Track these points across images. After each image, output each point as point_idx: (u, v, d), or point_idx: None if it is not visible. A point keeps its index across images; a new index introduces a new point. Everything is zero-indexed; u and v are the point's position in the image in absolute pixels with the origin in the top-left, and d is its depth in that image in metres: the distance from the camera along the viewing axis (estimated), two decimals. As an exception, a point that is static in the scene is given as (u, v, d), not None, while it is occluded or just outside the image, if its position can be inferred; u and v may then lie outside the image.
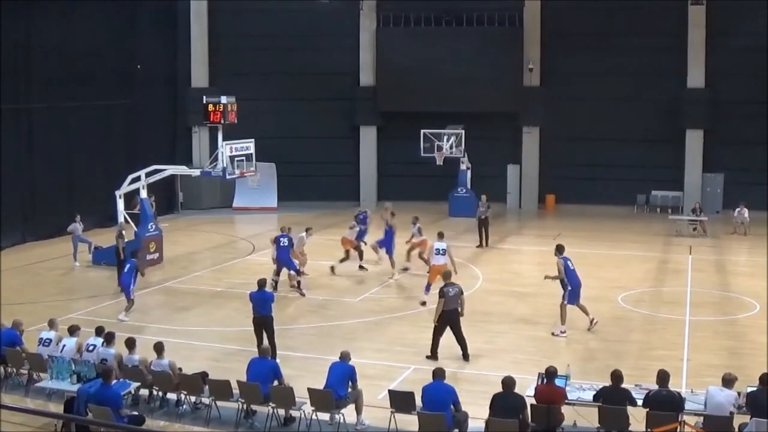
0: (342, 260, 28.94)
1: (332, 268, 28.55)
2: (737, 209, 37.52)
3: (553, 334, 21.77)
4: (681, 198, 43.14)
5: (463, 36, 44.22)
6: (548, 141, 44.98)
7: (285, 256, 25.70)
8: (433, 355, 19.39)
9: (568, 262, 21.95)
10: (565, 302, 21.84)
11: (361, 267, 29.06)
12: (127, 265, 23.31)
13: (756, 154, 40.82)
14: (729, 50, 41.46)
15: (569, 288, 21.81)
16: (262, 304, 19.66)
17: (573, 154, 44.06)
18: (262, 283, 20.08)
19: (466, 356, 19.45)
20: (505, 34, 44.20)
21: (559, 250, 22.21)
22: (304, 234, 27.35)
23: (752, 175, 41.02)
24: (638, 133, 43.29)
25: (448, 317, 19.43)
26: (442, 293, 19.50)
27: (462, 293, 19.68)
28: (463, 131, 41.46)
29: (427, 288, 24.51)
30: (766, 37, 40.18)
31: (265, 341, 18.85)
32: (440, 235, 25.47)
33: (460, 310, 19.62)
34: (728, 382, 14.26)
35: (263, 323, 19.58)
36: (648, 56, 42.88)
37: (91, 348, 16.82)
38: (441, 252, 24.61)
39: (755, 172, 40.98)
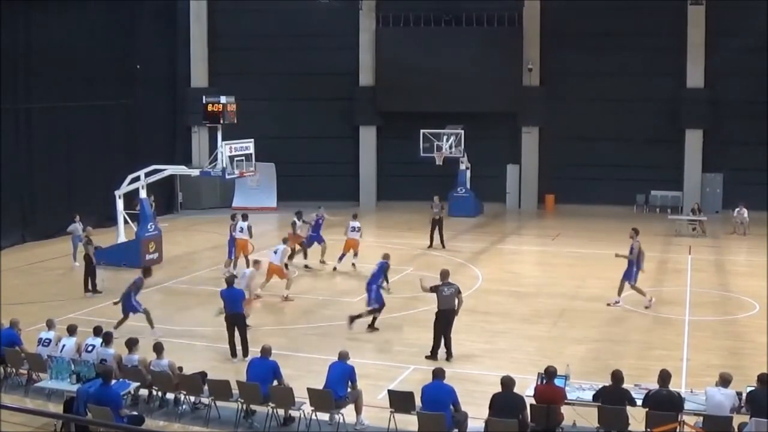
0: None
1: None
2: (737, 209, 37.54)
3: (608, 304, 24.29)
4: (680, 198, 43.17)
5: (463, 36, 44.23)
6: (548, 141, 45.00)
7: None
8: (433, 355, 19.39)
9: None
10: (626, 280, 24.15)
11: (306, 266, 29.56)
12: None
13: (755, 154, 40.86)
14: (728, 50, 41.44)
15: (633, 268, 24.11)
16: (232, 302, 19.77)
17: (572, 154, 44.07)
18: (230, 281, 20.17)
19: (449, 356, 19.36)
20: (505, 34, 44.20)
21: (636, 232, 24.64)
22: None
23: (752, 175, 41.03)
24: (638, 133, 43.30)
25: (443, 316, 19.44)
26: (436, 291, 19.55)
27: (459, 293, 19.59)
28: (462, 131, 41.45)
29: (341, 258, 29.15)
30: (765, 37, 40.20)
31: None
32: (354, 216, 29.73)
33: (456, 310, 19.59)
34: (725, 381, 14.31)
35: (234, 321, 19.69)
36: (647, 56, 42.91)
37: (90, 348, 16.82)
38: (356, 229, 29.26)
39: (755, 172, 41.00)
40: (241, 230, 28.26)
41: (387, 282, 23.74)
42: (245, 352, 19.29)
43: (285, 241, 26.95)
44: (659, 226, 38.23)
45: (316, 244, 30.06)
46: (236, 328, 19.61)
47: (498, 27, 44.26)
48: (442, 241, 33.51)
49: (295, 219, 29.90)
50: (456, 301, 19.50)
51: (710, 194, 42.76)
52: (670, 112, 43.05)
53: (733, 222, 37.50)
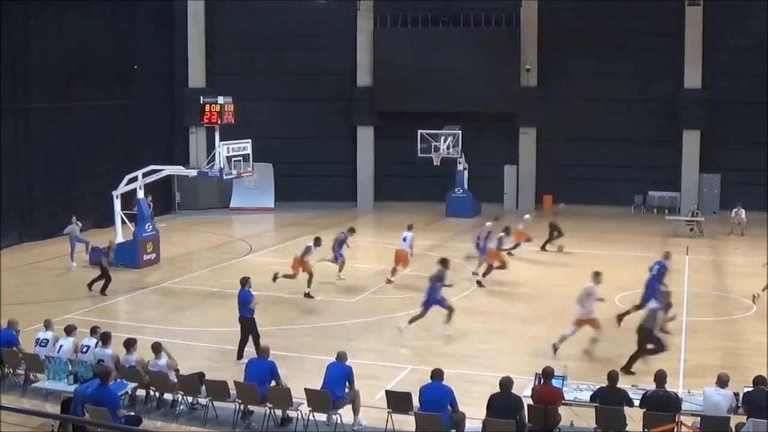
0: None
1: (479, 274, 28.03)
2: (734, 210, 37.58)
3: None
4: (678, 198, 43.18)
5: (460, 36, 44.25)
6: (545, 141, 45.01)
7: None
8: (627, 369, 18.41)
9: None
10: None
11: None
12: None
13: (753, 155, 40.86)
14: (726, 51, 41.50)
15: None
16: (239, 304, 19.67)
17: (570, 154, 44.06)
18: (242, 282, 19.99)
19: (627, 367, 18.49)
20: (502, 35, 44.18)
21: None
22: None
23: (749, 176, 41.06)
24: (635, 134, 43.30)
25: (643, 333, 18.81)
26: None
27: (663, 311, 18.92)
28: (460, 132, 41.49)
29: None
30: (763, 37, 40.25)
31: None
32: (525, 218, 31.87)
33: (649, 328, 18.77)
34: (723, 382, 14.34)
35: (241, 323, 19.62)
36: (645, 56, 42.92)
37: (84, 349, 16.77)
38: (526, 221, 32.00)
39: (752, 172, 41.03)
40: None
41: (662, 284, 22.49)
42: (255, 348, 18.92)
43: (410, 227, 28.51)
44: (657, 227, 38.28)
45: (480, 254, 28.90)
46: (241, 331, 19.60)
47: (495, 27, 44.25)
48: (548, 243, 33.49)
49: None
50: (654, 321, 18.69)
51: (708, 195, 42.75)
52: (668, 113, 43.05)
53: (731, 222, 37.54)
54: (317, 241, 26.26)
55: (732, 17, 41.17)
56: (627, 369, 18.17)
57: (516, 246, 31.49)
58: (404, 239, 28.03)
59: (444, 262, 22.42)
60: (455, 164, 42.30)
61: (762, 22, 40.18)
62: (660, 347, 18.58)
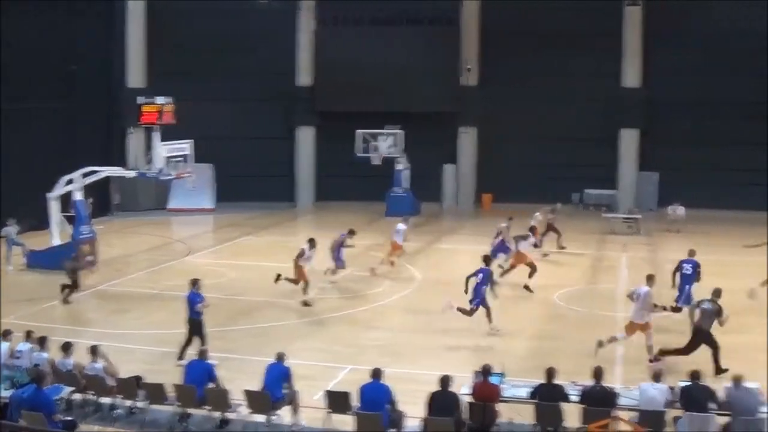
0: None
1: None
2: (671, 207, 38.12)
3: None
4: (615, 196, 43.68)
5: (401, 36, 44.43)
6: (485, 141, 45.26)
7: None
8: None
9: None
10: None
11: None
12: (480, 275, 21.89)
13: (691, 153, 41.54)
14: (665, 50, 42.13)
15: None
16: (187, 306, 19.44)
17: (509, 153, 44.45)
18: (191, 283, 19.73)
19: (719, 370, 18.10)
20: (443, 34, 44.41)
21: None
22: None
23: (687, 174, 41.71)
24: (574, 132, 43.77)
25: (697, 334, 18.55)
26: (698, 305, 18.88)
27: (719, 314, 18.46)
28: (401, 131, 41.57)
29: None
30: (702, 36, 40.96)
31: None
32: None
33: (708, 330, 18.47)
34: (658, 376, 14.59)
35: (189, 324, 19.38)
36: (585, 56, 43.48)
37: (18, 354, 16.48)
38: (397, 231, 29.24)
39: (690, 170, 41.71)
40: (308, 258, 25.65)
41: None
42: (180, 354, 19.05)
43: (406, 220, 30.54)
44: (594, 225, 38.65)
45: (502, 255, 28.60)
46: (190, 332, 19.34)
47: (435, 27, 44.49)
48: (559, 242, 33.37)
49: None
50: (711, 322, 18.42)
51: (645, 192, 43.33)
52: (607, 112, 43.58)
53: (668, 220, 38.07)
54: (312, 243, 25.40)
55: (671, 17, 41.81)
56: (718, 371, 17.99)
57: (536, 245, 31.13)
58: (397, 231, 29.16)
59: (486, 260, 22.70)
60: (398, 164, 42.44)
61: (700, 22, 40.88)
62: (715, 348, 18.40)
